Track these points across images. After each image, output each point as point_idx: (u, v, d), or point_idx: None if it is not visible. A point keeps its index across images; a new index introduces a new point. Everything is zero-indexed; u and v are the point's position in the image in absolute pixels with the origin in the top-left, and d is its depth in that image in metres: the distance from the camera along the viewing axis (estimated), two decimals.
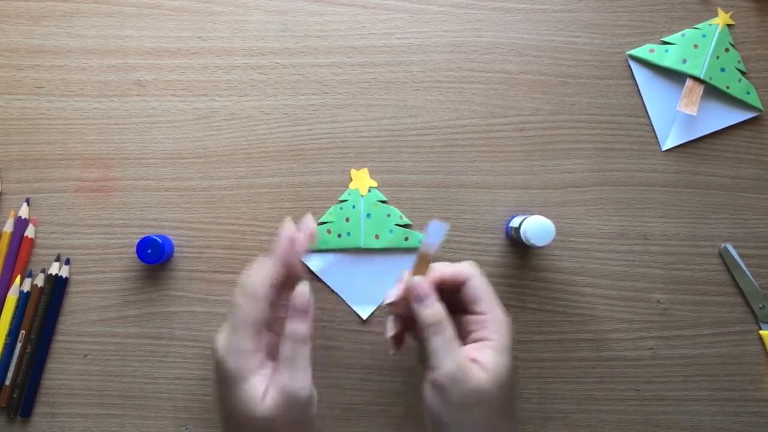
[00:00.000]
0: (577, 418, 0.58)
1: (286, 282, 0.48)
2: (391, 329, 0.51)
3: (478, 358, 0.46)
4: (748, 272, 0.58)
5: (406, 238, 0.58)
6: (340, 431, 0.58)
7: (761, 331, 0.58)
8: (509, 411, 0.47)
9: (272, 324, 0.48)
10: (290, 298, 0.46)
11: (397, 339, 0.52)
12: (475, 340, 0.48)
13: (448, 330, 0.46)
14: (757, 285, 0.58)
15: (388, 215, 0.58)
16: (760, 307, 0.58)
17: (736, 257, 0.59)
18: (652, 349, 0.58)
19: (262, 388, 0.44)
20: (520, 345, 0.58)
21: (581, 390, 0.58)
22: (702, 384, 0.58)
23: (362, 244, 0.58)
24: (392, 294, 0.50)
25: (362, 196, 0.58)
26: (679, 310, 0.59)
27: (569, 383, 0.58)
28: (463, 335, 0.49)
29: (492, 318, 0.48)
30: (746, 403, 0.58)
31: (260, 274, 0.46)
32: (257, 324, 0.45)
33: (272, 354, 0.46)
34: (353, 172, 0.58)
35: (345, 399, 0.58)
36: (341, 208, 0.58)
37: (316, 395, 0.46)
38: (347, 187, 0.59)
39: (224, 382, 0.45)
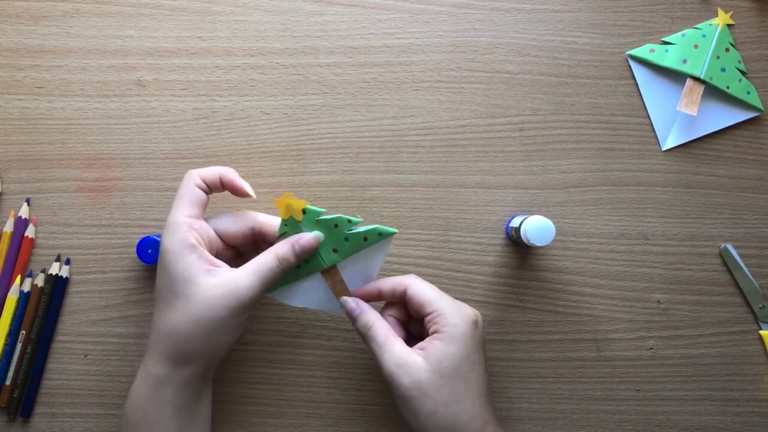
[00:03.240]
0: (577, 418, 0.58)
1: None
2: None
3: (425, 348, 0.48)
4: (748, 272, 0.59)
5: (365, 239, 0.51)
6: (340, 431, 0.58)
7: (761, 331, 0.58)
8: (462, 403, 0.47)
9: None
10: (301, 235, 0.50)
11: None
12: (429, 335, 0.49)
13: (380, 330, 0.49)
14: (757, 285, 0.58)
15: (336, 225, 0.51)
16: (760, 307, 0.58)
17: (737, 257, 0.59)
18: (652, 349, 0.58)
19: (202, 269, 0.47)
20: (520, 345, 0.58)
21: (581, 390, 0.58)
22: (702, 384, 0.58)
23: (325, 265, 0.52)
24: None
25: (299, 221, 0.51)
26: (679, 310, 0.59)
27: (569, 383, 0.58)
28: (422, 338, 0.50)
29: (440, 311, 0.49)
30: (746, 403, 0.58)
31: (205, 169, 0.51)
32: (194, 200, 0.49)
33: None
34: (276, 201, 0.51)
35: (345, 399, 0.58)
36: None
37: (253, 305, 0.48)
38: (287, 216, 0.51)
39: (164, 260, 0.48)
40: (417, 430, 0.48)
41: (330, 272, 0.52)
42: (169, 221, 0.49)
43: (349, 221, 0.51)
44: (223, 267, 0.48)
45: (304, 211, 0.51)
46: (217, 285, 0.47)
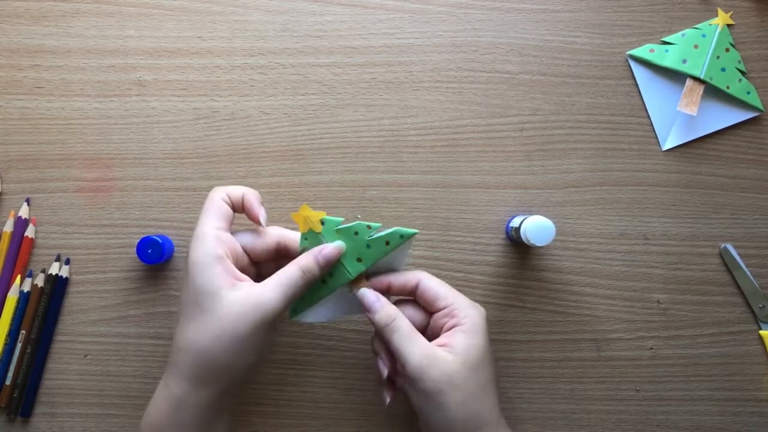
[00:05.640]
0: (577, 418, 0.58)
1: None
2: (383, 369, 0.50)
3: (448, 342, 0.47)
4: (748, 272, 0.59)
5: (387, 243, 0.50)
6: (340, 431, 0.58)
7: (761, 331, 0.58)
8: (485, 394, 0.47)
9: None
10: (323, 245, 0.49)
11: (391, 385, 0.52)
12: (447, 330, 0.49)
13: (404, 324, 0.48)
14: (757, 285, 0.58)
15: (356, 233, 0.50)
16: (760, 307, 0.58)
17: (736, 257, 0.59)
18: (652, 348, 0.58)
19: (227, 282, 0.45)
20: (520, 345, 0.58)
21: (581, 390, 0.58)
22: (702, 384, 0.58)
23: (351, 276, 0.51)
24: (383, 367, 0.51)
25: (319, 233, 0.50)
26: (679, 310, 0.59)
27: (569, 383, 0.58)
28: (436, 332, 0.50)
29: (457, 305, 0.49)
30: (746, 403, 0.58)
31: (232, 187, 0.50)
32: (220, 213, 0.48)
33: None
34: (294, 216, 0.50)
35: (345, 399, 0.58)
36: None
37: (277, 319, 0.46)
38: (306, 230, 0.51)
39: (189, 273, 0.46)
40: (438, 427, 0.47)
41: (357, 283, 0.51)
42: (197, 233, 0.47)
43: (369, 227, 0.50)
44: (247, 281, 0.47)
45: (322, 222, 0.50)
46: (241, 299, 0.45)
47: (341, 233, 0.50)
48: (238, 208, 0.51)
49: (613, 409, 0.58)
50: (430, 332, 0.51)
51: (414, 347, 0.47)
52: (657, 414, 0.58)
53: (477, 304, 0.50)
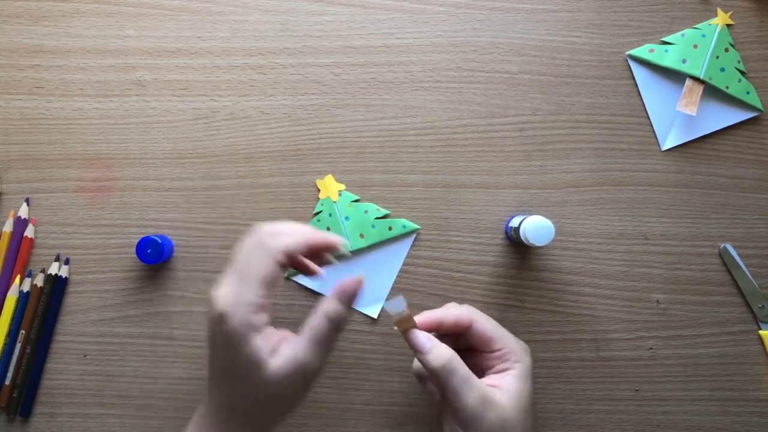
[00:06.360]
0: (576, 418, 0.58)
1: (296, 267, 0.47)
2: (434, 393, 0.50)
3: (500, 384, 0.47)
4: (748, 272, 0.58)
5: (390, 228, 0.58)
6: (339, 431, 0.58)
7: (761, 331, 0.58)
8: None
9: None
10: (342, 282, 0.45)
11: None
12: (498, 372, 0.48)
13: (461, 367, 0.46)
14: (757, 285, 0.58)
15: (366, 212, 0.58)
16: (759, 307, 0.58)
17: (736, 257, 0.59)
18: (651, 349, 0.58)
19: (267, 350, 0.42)
20: None
21: (581, 390, 0.58)
22: (702, 384, 0.58)
23: (350, 248, 0.58)
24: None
25: (335, 202, 0.58)
26: (679, 310, 0.59)
27: (569, 383, 0.58)
28: (483, 370, 0.49)
29: (510, 349, 0.48)
30: (746, 403, 0.58)
31: (286, 233, 0.44)
32: (269, 279, 0.43)
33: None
34: (318, 182, 0.58)
35: (345, 399, 0.58)
36: (318, 221, 0.58)
37: (318, 375, 0.45)
38: (324, 196, 0.58)
39: (225, 340, 0.42)
40: None
41: (404, 323, 0.48)
42: (239, 299, 0.42)
43: (378, 210, 0.58)
44: (283, 339, 0.44)
45: (339, 194, 0.57)
46: (282, 366, 0.42)
47: (353, 207, 0.58)
48: (294, 262, 0.47)
49: (612, 409, 0.58)
50: (476, 368, 0.49)
51: (471, 390, 0.45)
52: (656, 414, 0.58)
53: (526, 346, 0.50)
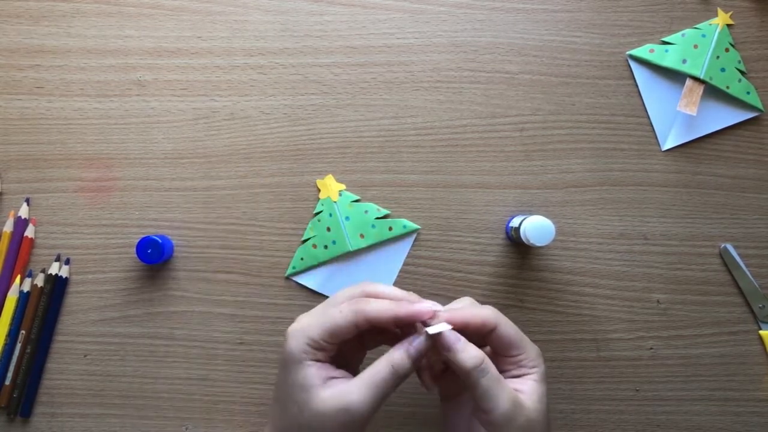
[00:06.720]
0: (576, 418, 0.58)
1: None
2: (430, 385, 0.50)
3: (522, 389, 0.47)
4: (748, 272, 0.58)
5: (390, 228, 0.58)
6: None
7: (761, 331, 0.58)
8: None
9: (348, 358, 0.49)
10: (414, 336, 0.45)
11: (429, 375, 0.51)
12: (516, 376, 0.48)
13: (492, 368, 0.46)
14: (757, 285, 0.58)
15: (366, 212, 0.58)
16: (760, 307, 0.58)
17: (736, 257, 0.59)
18: (651, 349, 0.58)
19: (319, 379, 0.44)
20: None
21: (581, 390, 0.58)
22: (702, 384, 0.58)
23: (350, 248, 0.58)
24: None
25: (335, 202, 0.58)
26: (679, 310, 0.59)
27: (569, 383, 0.58)
28: (500, 371, 0.49)
29: (528, 355, 0.48)
30: (746, 403, 0.58)
31: (378, 303, 0.45)
32: (337, 333, 0.44)
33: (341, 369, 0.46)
34: (319, 182, 0.58)
35: None
36: (319, 221, 0.58)
37: (367, 422, 0.44)
38: (325, 196, 0.59)
39: (284, 359, 0.45)
40: None
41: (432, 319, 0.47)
42: (305, 330, 0.45)
43: (378, 210, 0.58)
44: (341, 377, 0.45)
45: (340, 194, 0.58)
46: (329, 399, 0.43)
47: (353, 207, 0.58)
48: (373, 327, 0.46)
49: (612, 409, 0.58)
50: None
51: (504, 392, 0.45)
52: (657, 414, 0.58)
53: (539, 350, 0.49)
